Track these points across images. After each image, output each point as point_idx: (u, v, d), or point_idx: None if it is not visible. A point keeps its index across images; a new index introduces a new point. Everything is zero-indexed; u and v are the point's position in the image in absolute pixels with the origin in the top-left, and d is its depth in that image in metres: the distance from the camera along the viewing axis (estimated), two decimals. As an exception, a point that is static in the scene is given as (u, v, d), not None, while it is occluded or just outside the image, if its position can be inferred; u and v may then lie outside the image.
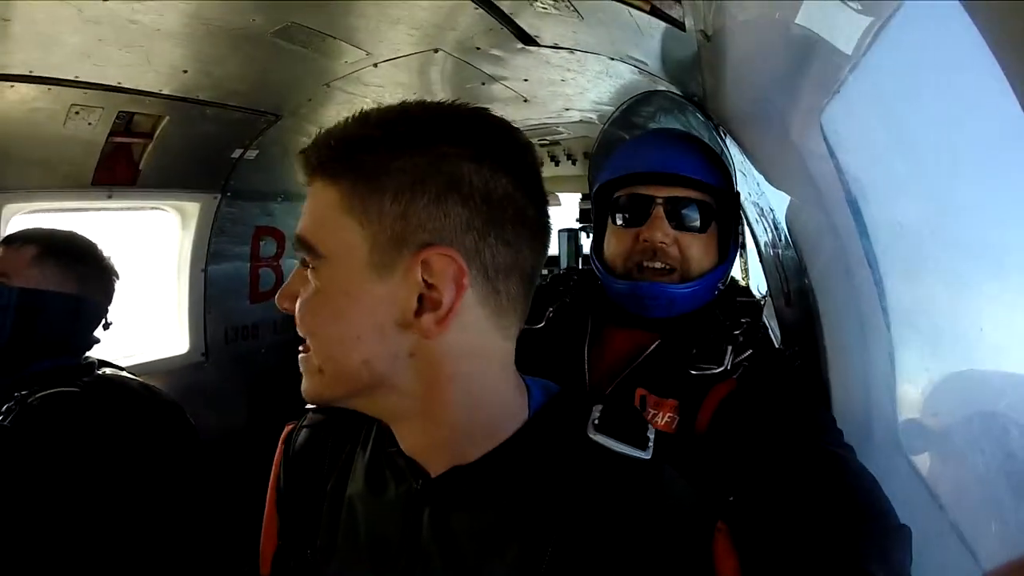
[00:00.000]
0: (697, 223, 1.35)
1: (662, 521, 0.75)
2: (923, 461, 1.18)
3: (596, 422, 0.81)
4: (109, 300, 1.69)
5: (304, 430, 1.00)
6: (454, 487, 0.79)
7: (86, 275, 1.61)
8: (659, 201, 1.34)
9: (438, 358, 0.74)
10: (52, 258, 1.57)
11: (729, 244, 1.41)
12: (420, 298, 0.71)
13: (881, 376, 1.24)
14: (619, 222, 1.40)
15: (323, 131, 0.74)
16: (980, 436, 1.03)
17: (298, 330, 0.75)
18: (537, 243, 0.77)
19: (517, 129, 0.78)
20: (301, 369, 0.77)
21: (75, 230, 1.70)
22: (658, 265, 1.34)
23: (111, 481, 1.45)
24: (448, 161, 0.71)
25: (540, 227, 0.77)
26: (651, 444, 0.81)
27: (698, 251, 1.35)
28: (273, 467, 1.00)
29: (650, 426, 0.83)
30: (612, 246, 1.41)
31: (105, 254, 1.69)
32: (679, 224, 1.34)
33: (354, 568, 0.85)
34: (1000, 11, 0.52)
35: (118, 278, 1.71)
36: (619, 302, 1.40)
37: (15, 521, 1.32)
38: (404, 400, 0.75)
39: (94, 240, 1.69)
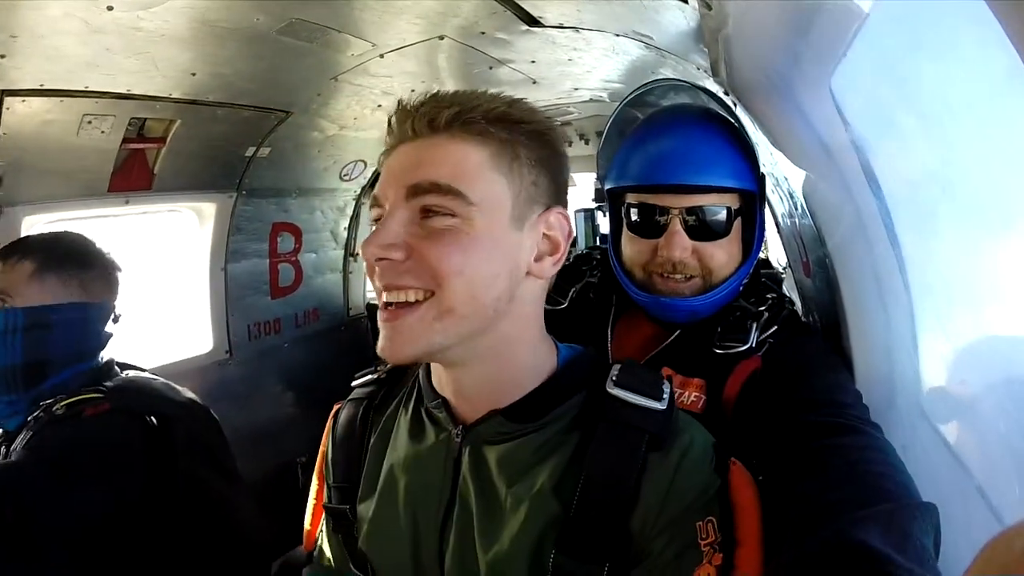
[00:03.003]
0: (718, 229, 1.29)
1: (680, 459, 0.87)
2: (949, 429, 1.17)
3: (615, 378, 0.92)
4: (115, 295, 1.68)
5: (349, 403, 1.13)
6: (490, 428, 0.91)
7: (87, 279, 1.61)
8: (674, 212, 1.28)
9: (528, 300, 0.91)
10: (51, 271, 1.56)
11: (753, 237, 1.35)
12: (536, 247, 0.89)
13: (903, 344, 1.23)
14: (634, 228, 1.34)
15: (446, 95, 0.87)
16: (1005, 401, 1.02)
17: (436, 271, 0.81)
18: None
19: None
20: (407, 322, 0.82)
21: (65, 231, 1.69)
22: (678, 276, 1.30)
23: (139, 482, 1.47)
24: (552, 144, 0.92)
25: None
26: (666, 396, 0.91)
27: (721, 257, 1.30)
28: (323, 441, 1.15)
29: (666, 381, 0.94)
30: (629, 252, 1.36)
31: (103, 250, 1.68)
32: (698, 233, 1.28)
33: (393, 512, 0.97)
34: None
35: (120, 270, 1.70)
36: (641, 307, 1.37)
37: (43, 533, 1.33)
38: (490, 339, 0.88)
39: (88, 238, 1.68)
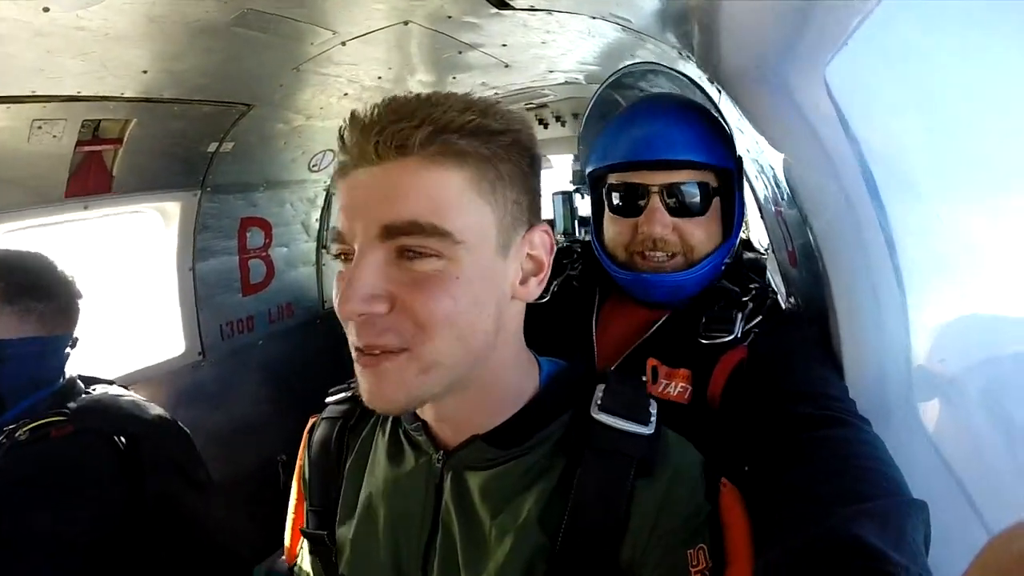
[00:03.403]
0: (696, 207, 1.30)
1: (668, 485, 0.83)
2: (934, 411, 1.16)
3: (599, 402, 0.87)
4: (74, 325, 1.61)
5: (324, 421, 1.08)
6: (472, 453, 0.87)
7: (47, 312, 1.53)
8: (654, 190, 1.29)
9: (509, 323, 0.84)
10: (8, 303, 1.48)
11: (733, 216, 1.36)
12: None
13: (896, 343, 1.20)
14: (615, 209, 1.35)
15: (408, 105, 0.75)
16: (988, 387, 1.00)
17: (423, 324, 0.73)
18: None
19: None
20: (388, 376, 0.75)
21: (29, 252, 1.59)
22: (659, 255, 1.30)
23: (108, 503, 1.45)
24: (531, 152, 0.83)
25: None
26: (653, 418, 0.87)
27: (700, 235, 1.31)
28: (299, 455, 1.11)
29: (652, 400, 0.90)
30: (611, 234, 1.37)
31: (65, 276, 1.60)
32: (678, 210, 1.29)
33: (373, 540, 0.93)
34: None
35: (81, 298, 1.63)
36: (624, 289, 1.38)
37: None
38: (477, 372, 0.81)
39: (51, 261, 1.59)
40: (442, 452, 0.89)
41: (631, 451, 0.83)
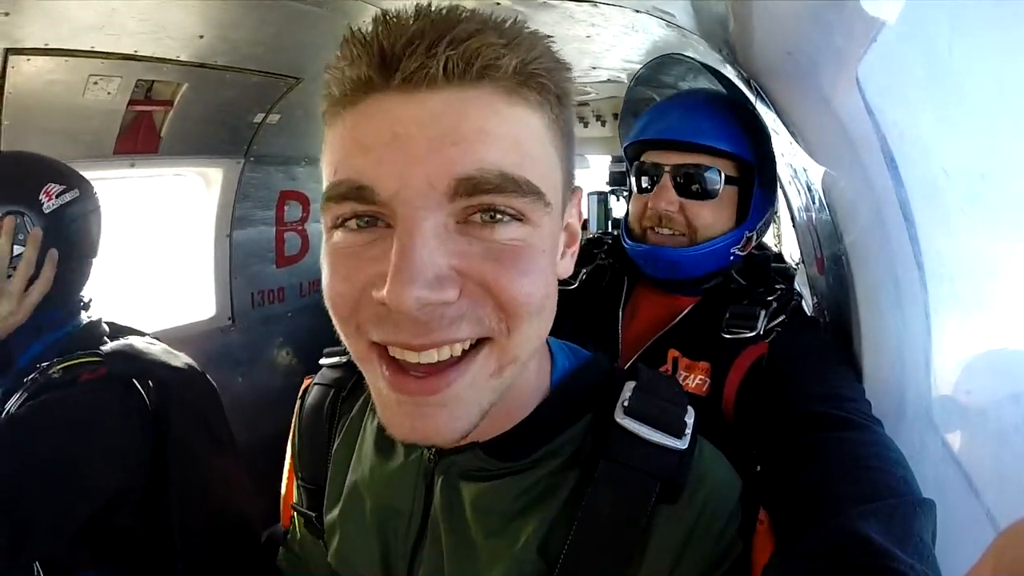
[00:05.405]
0: (705, 189, 1.34)
1: (698, 517, 0.70)
2: (956, 441, 1.13)
3: (626, 404, 0.73)
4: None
5: (316, 387, 0.97)
6: (468, 461, 0.74)
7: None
8: (666, 169, 1.34)
9: None
10: None
11: (750, 209, 1.38)
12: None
13: (917, 352, 1.18)
14: (636, 188, 1.42)
15: (457, 18, 0.54)
16: (1018, 419, 0.98)
17: (510, 312, 0.57)
18: None
19: None
20: (457, 390, 0.58)
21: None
22: (665, 231, 1.36)
23: (135, 448, 1.44)
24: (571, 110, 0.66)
25: None
26: (689, 430, 0.73)
27: (706, 218, 1.35)
28: (293, 422, 1.01)
29: (689, 410, 0.76)
30: (631, 210, 1.44)
31: None
32: (686, 191, 1.34)
33: (362, 533, 0.83)
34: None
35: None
36: (634, 261, 1.43)
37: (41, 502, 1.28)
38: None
39: None
40: (434, 450, 0.76)
41: (655, 469, 0.69)
